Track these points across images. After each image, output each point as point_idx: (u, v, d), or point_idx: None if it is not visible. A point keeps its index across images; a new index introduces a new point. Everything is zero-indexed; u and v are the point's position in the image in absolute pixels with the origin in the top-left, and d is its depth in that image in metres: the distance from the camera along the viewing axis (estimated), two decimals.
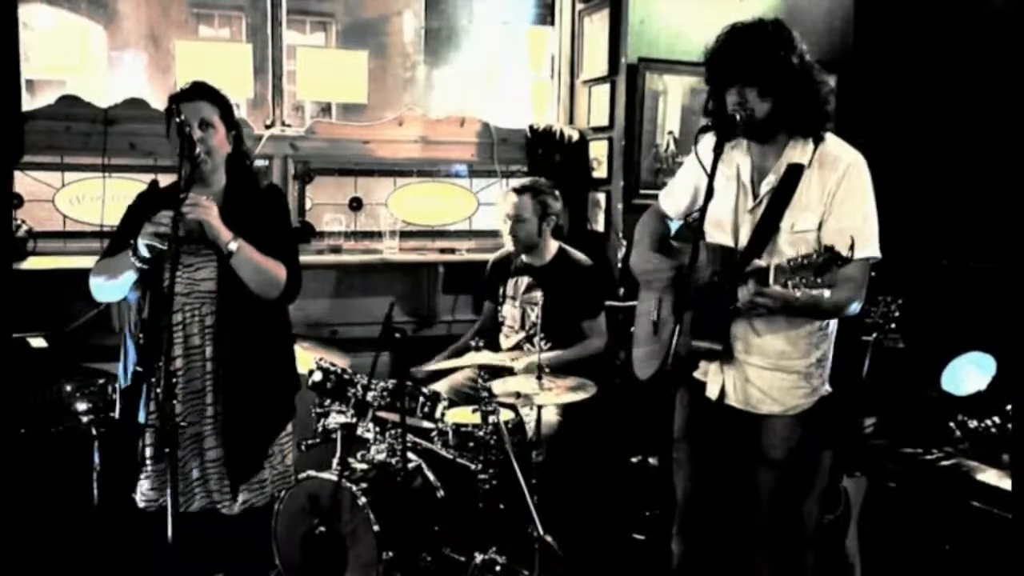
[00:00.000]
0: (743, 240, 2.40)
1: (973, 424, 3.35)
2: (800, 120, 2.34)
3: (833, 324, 2.49)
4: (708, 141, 2.53)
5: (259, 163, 4.07)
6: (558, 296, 3.64)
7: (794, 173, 2.34)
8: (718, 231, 2.43)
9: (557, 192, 3.81)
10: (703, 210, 2.21)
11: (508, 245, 3.84)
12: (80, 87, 3.97)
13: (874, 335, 2.98)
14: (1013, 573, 2.95)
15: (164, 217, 2.46)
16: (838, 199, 2.31)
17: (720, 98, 2.35)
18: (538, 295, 3.69)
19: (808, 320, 2.41)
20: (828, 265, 1.98)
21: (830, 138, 2.39)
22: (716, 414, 2.50)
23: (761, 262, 2.26)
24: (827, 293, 2.02)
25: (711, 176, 2.21)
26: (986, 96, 3.78)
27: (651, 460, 3.67)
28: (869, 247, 2.30)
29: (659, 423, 2.68)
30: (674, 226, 2.78)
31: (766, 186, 2.38)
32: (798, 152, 2.36)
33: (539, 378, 3.17)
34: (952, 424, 3.40)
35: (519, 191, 3.74)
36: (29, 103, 3.76)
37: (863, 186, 2.34)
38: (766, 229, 2.35)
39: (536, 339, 3.50)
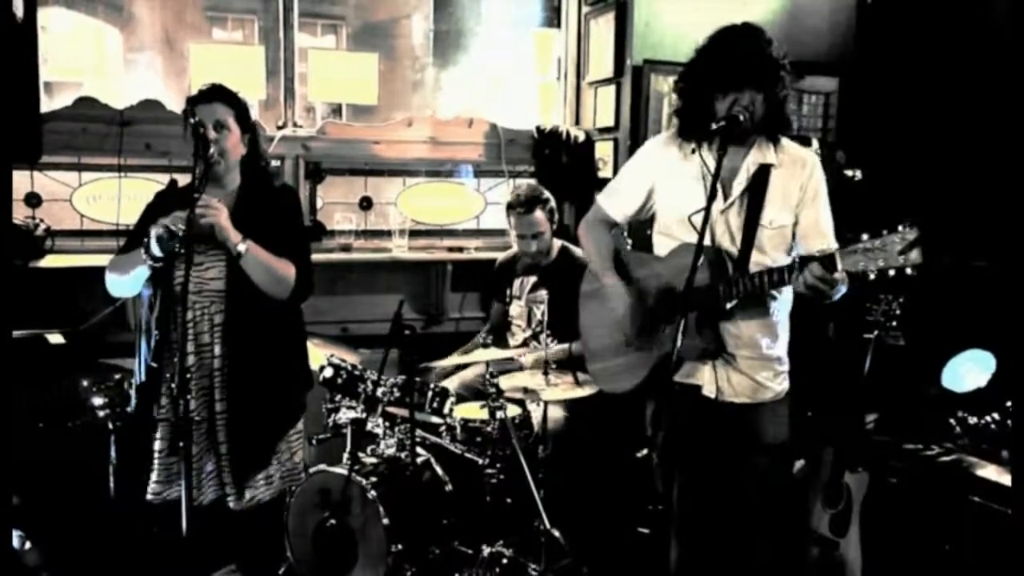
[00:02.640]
0: (719, 238, 2.45)
1: (973, 420, 3.37)
2: (777, 123, 2.42)
3: (786, 307, 2.56)
4: (661, 143, 2.60)
5: (275, 163, 4.12)
6: (562, 293, 3.68)
7: (764, 172, 2.43)
8: (690, 231, 2.40)
9: (547, 191, 3.83)
10: (707, 211, 2.23)
11: (515, 248, 3.89)
12: (97, 89, 4.03)
13: (875, 333, 3.01)
14: (1012, 568, 2.98)
15: (174, 219, 2.51)
16: (809, 195, 2.43)
17: (710, 100, 2.38)
18: (543, 293, 3.75)
19: (774, 308, 2.49)
20: (917, 242, 2.00)
21: (784, 139, 2.48)
22: (709, 411, 2.54)
23: (827, 248, 2.29)
24: (910, 270, 2.02)
25: (715, 177, 2.24)
26: (987, 96, 3.80)
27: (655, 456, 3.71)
28: (831, 238, 2.43)
29: (653, 425, 2.71)
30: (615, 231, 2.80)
31: (738, 186, 2.44)
32: (764, 152, 2.44)
33: (546, 374, 3.22)
34: (952, 420, 3.42)
35: (528, 209, 3.70)
36: (47, 104, 3.82)
37: (823, 182, 2.47)
38: (751, 226, 2.42)
39: (543, 336, 3.54)
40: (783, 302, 2.52)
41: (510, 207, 3.77)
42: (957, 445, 3.38)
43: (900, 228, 2.02)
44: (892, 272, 2.04)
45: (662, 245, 2.60)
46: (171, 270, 2.61)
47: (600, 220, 2.77)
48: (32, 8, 2.66)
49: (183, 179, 2.91)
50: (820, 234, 2.42)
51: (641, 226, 2.75)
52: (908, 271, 2.02)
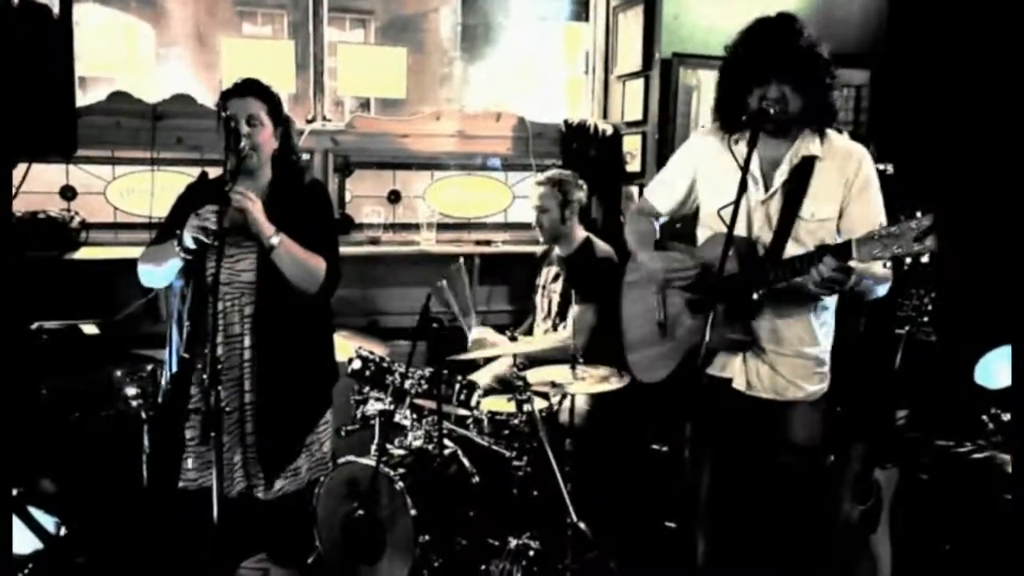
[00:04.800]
0: (757, 230, 2.45)
1: (1006, 417, 3.34)
2: (820, 115, 2.37)
3: (833, 312, 2.54)
4: (703, 135, 2.60)
5: (306, 157, 4.15)
6: (577, 283, 3.68)
7: (807, 164, 2.39)
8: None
9: (581, 182, 3.85)
10: (736, 205, 2.21)
11: (540, 237, 3.91)
12: (130, 84, 4.07)
13: (907, 328, 2.97)
14: None
15: (209, 212, 2.54)
16: (857, 188, 2.38)
17: (743, 92, 2.36)
18: (560, 284, 3.76)
19: (820, 309, 2.48)
20: (931, 230, 1.98)
21: (832, 132, 2.44)
22: (739, 405, 2.53)
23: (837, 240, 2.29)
24: (925, 258, 2.01)
25: (744, 171, 2.23)
26: (1021, 88, 3.75)
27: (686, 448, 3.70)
28: None
29: (681, 418, 2.70)
30: (659, 223, 2.80)
31: (779, 177, 2.42)
32: (809, 144, 2.41)
33: (573, 368, 3.22)
34: (985, 417, 3.38)
35: (539, 183, 3.82)
36: (81, 99, 3.85)
37: (875, 176, 2.42)
38: (788, 218, 2.39)
39: (561, 326, 3.55)
40: (826, 301, 2.49)
41: None
42: (990, 442, 3.34)
43: (916, 215, 2.00)
44: (908, 260, 2.03)
45: (702, 237, 2.62)
46: (203, 262, 2.64)
47: (645, 211, 2.80)
48: (67, 4, 2.69)
49: (214, 172, 2.94)
50: (869, 228, 2.31)
51: (685, 223, 2.74)
52: (923, 259, 2.01)
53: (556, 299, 3.78)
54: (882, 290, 2.41)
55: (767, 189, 2.44)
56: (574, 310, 3.66)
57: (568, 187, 3.78)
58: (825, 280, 2.20)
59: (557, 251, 3.87)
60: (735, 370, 2.54)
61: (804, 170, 2.40)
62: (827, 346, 2.55)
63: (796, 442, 2.52)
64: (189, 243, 2.58)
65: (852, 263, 2.15)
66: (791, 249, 2.40)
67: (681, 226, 2.83)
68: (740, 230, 2.44)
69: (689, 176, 2.64)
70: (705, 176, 2.58)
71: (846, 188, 2.39)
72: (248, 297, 2.73)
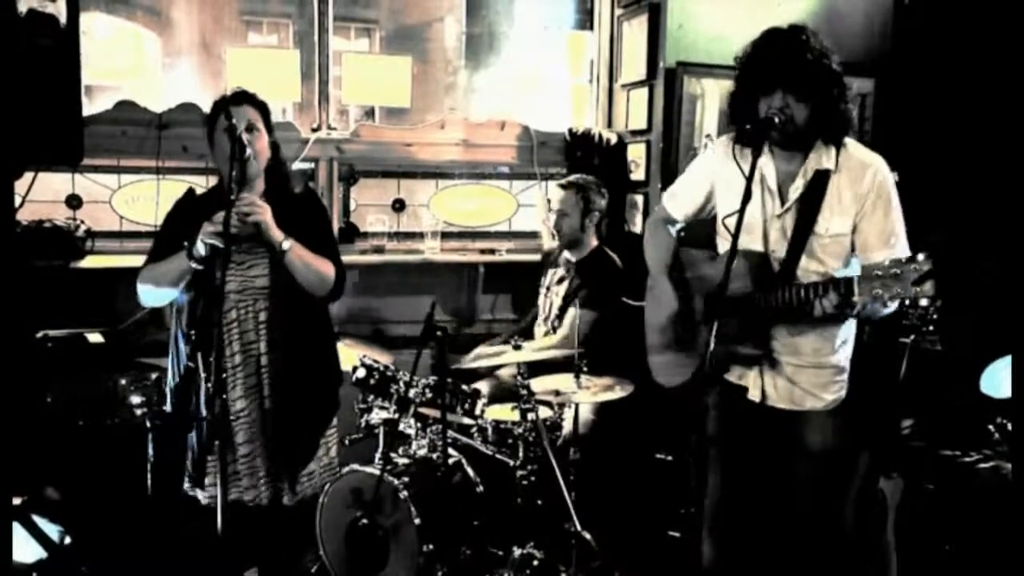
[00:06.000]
0: (773, 244, 2.44)
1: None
2: (831, 126, 2.36)
3: (852, 322, 2.53)
4: (721, 144, 2.58)
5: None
6: (585, 289, 3.67)
7: (822, 178, 2.37)
8: (746, 235, 2.39)
9: (604, 190, 3.85)
10: (740, 214, 2.21)
11: (546, 239, 3.90)
12: (136, 92, 4.08)
13: (912, 337, 2.97)
14: None
15: (223, 217, 2.56)
16: (871, 202, 2.35)
17: (752, 102, 2.37)
18: (565, 287, 3.75)
19: (838, 319, 2.44)
20: (931, 275, 2.00)
21: (850, 142, 2.42)
22: (755, 416, 2.53)
23: (841, 273, 2.28)
24: (924, 301, 2.03)
25: (749, 180, 2.22)
26: None
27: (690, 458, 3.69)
28: (902, 247, 2.34)
29: (688, 426, 2.71)
30: (676, 229, 2.79)
31: (794, 191, 2.41)
32: (823, 157, 2.39)
33: (577, 377, 3.22)
34: (991, 427, 3.37)
35: (563, 186, 3.81)
36: (88, 108, 3.86)
37: (892, 188, 2.38)
38: (803, 234, 2.38)
39: (557, 328, 3.53)
40: None
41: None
42: (996, 452, 3.33)
43: (918, 258, 2.01)
44: (907, 302, 2.04)
45: (721, 247, 2.61)
46: (213, 271, 2.64)
47: (662, 219, 2.80)
48: (75, 13, 2.71)
49: (211, 183, 2.95)
50: (885, 244, 2.32)
51: (702, 229, 2.74)
52: (922, 302, 2.03)
53: (558, 302, 3.78)
54: (889, 310, 2.40)
55: (783, 203, 2.43)
56: (572, 312, 3.66)
57: (591, 194, 3.79)
58: (828, 314, 2.23)
59: (567, 255, 3.87)
60: (750, 381, 2.54)
61: (818, 184, 2.38)
62: (847, 354, 2.53)
63: (813, 450, 2.52)
64: (202, 250, 2.60)
65: (855, 298, 2.15)
66: (805, 265, 2.39)
67: (696, 231, 2.83)
68: (757, 244, 2.45)
69: (707, 185, 2.63)
70: (721, 185, 2.57)
71: (859, 202, 2.35)
72: (263, 303, 2.77)
